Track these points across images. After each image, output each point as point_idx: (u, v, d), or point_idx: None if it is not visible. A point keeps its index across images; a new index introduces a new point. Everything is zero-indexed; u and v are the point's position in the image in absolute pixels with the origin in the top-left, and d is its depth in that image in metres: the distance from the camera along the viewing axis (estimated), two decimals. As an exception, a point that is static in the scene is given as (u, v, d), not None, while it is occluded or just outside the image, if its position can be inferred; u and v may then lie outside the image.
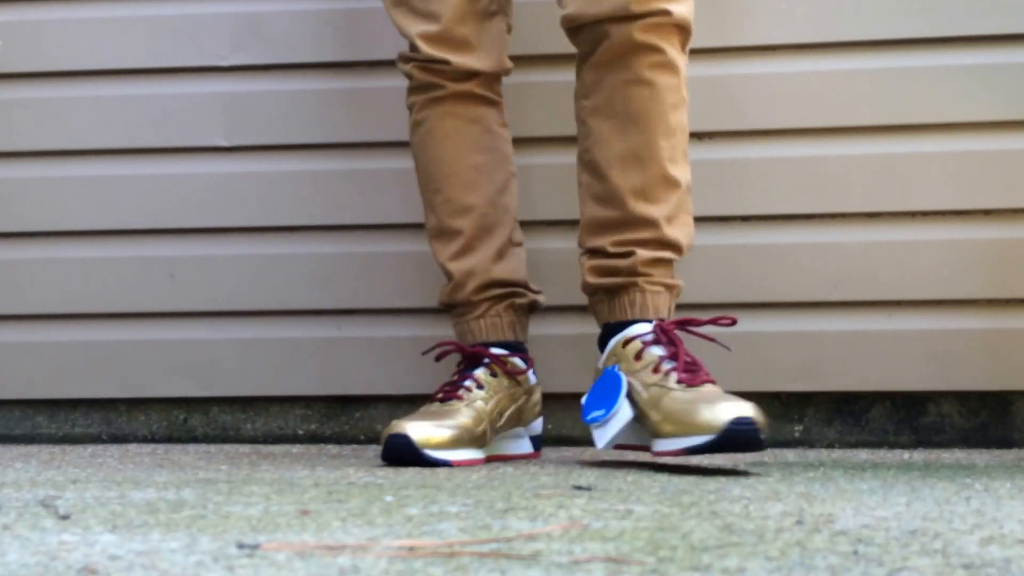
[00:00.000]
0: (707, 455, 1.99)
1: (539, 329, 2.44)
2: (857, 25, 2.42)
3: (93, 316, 2.60)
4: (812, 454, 2.31)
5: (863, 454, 2.31)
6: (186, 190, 2.58)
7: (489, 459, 2.20)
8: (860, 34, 2.42)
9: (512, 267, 2.27)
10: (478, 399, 2.18)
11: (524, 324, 2.29)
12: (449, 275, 2.26)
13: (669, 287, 2.11)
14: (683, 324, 2.08)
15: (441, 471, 2.01)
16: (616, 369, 2.06)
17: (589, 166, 2.13)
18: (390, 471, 2.00)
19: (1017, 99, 2.38)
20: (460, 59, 2.20)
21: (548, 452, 2.36)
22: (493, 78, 2.25)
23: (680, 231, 2.11)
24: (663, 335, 2.06)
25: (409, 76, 2.24)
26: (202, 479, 1.89)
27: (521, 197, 2.47)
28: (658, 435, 1.98)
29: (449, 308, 2.29)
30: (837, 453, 2.33)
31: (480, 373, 2.21)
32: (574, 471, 1.97)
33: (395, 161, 2.53)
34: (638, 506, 1.53)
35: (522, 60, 2.45)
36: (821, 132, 2.43)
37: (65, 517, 1.46)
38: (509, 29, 2.27)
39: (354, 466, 2.09)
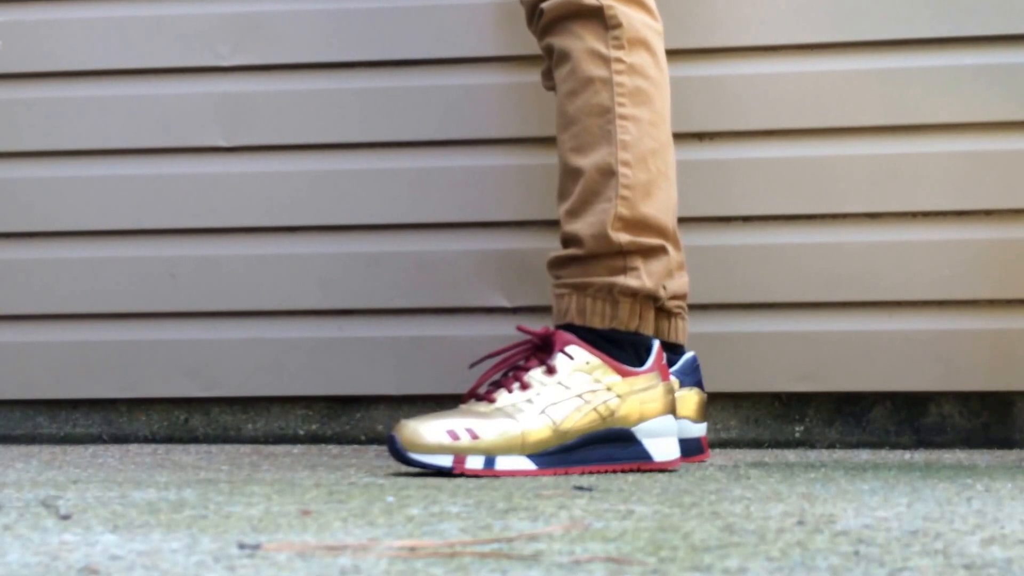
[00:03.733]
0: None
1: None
2: (857, 26, 2.42)
3: (93, 316, 2.60)
4: (813, 454, 2.31)
5: (864, 454, 2.31)
6: (186, 190, 2.58)
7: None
8: (860, 35, 2.42)
9: None
10: None
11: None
12: None
13: (579, 287, 1.99)
14: (558, 333, 1.99)
15: (442, 471, 2.01)
16: None
17: None
18: (391, 471, 2.00)
19: (1018, 99, 2.38)
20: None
21: (549, 452, 2.35)
22: None
23: (583, 223, 1.98)
24: (532, 347, 1.99)
25: None
26: (203, 479, 1.89)
27: (522, 197, 2.47)
28: None
29: None
30: (838, 453, 2.33)
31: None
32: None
33: (395, 161, 2.53)
34: (639, 506, 1.53)
35: (522, 60, 2.45)
36: (821, 132, 2.43)
37: (66, 517, 1.46)
38: None
39: (355, 466, 2.09)
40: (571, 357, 1.98)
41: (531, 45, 2.37)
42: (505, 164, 2.50)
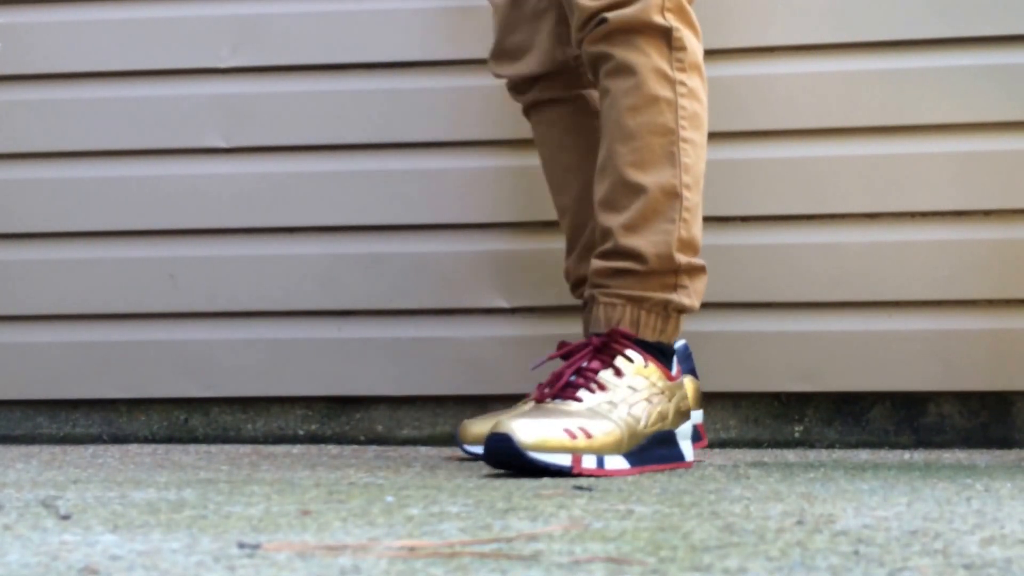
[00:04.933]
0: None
1: (541, 330, 2.45)
2: (857, 26, 2.42)
3: (93, 316, 2.60)
4: (813, 454, 2.31)
5: (864, 454, 2.31)
6: (186, 191, 2.58)
7: None
8: (860, 35, 2.42)
9: None
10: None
11: None
12: None
13: (634, 299, 2.01)
14: (620, 336, 2.01)
15: (441, 471, 2.01)
16: None
17: None
18: (390, 471, 2.00)
19: (1018, 99, 2.38)
20: (510, 70, 2.24)
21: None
22: (555, 76, 2.23)
23: (646, 239, 2.00)
24: (586, 349, 2.00)
25: None
26: (203, 479, 1.89)
27: (521, 197, 2.47)
28: None
29: None
30: (838, 453, 2.33)
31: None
32: (575, 471, 1.97)
33: (395, 162, 2.53)
34: (639, 506, 1.53)
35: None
36: (821, 133, 2.43)
37: (66, 517, 1.46)
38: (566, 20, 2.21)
39: (355, 466, 2.09)
40: (631, 360, 2.00)
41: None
42: (504, 165, 2.50)
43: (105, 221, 2.60)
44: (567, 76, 2.23)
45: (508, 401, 2.41)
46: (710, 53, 2.43)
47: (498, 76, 2.28)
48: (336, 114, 2.55)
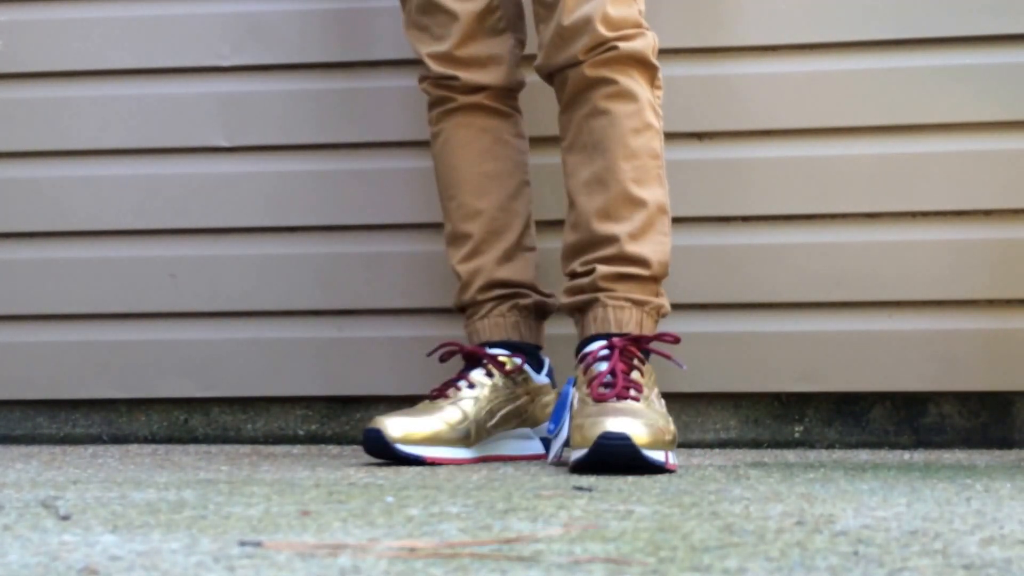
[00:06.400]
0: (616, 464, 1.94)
1: (539, 329, 2.45)
2: (857, 25, 2.42)
3: (93, 316, 2.60)
4: (812, 455, 2.32)
5: (863, 455, 2.31)
6: (186, 190, 2.58)
7: (490, 459, 2.20)
8: (860, 34, 2.42)
9: (518, 269, 2.30)
10: (466, 398, 2.20)
11: (532, 325, 2.30)
12: (458, 277, 2.29)
13: (638, 303, 2.12)
14: (636, 340, 2.09)
15: (441, 471, 2.01)
16: (571, 385, 2.11)
17: (567, 197, 2.19)
18: (390, 471, 2.01)
19: (1017, 99, 2.38)
20: (468, 75, 2.27)
21: (548, 452, 2.35)
22: (504, 92, 2.31)
23: (648, 248, 2.12)
24: (615, 351, 2.06)
25: (426, 93, 2.32)
26: (203, 480, 1.89)
27: (521, 197, 2.47)
28: (573, 447, 2.00)
29: (461, 311, 2.32)
30: (837, 454, 2.33)
31: (475, 373, 2.22)
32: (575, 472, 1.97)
33: (395, 161, 2.53)
34: (639, 507, 1.53)
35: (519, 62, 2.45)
36: (821, 132, 2.43)
37: (66, 518, 1.46)
38: (522, 45, 2.33)
39: (355, 467, 2.09)
40: (642, 362, 2.09)
41: (534, 48, 2.38)
42: (505, 164, 2.50)
43: (105, 220, 2.60)
44: (512, 94, 2.33)
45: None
46: (711, 52, 2.44)
47: (444, 75, 2.26)
48: (338, 113, 2.55)
